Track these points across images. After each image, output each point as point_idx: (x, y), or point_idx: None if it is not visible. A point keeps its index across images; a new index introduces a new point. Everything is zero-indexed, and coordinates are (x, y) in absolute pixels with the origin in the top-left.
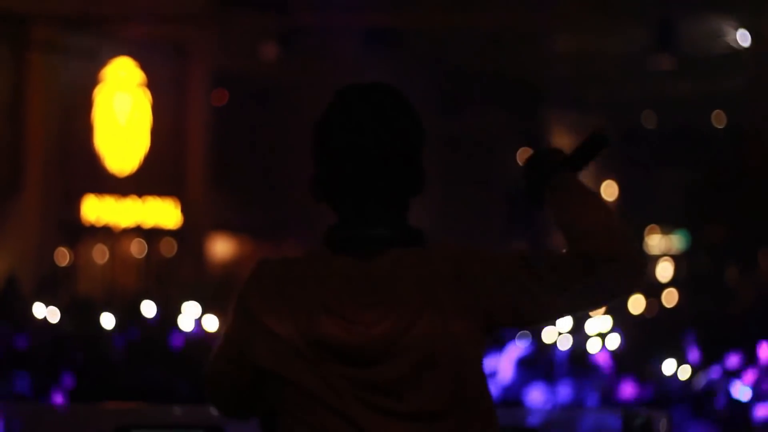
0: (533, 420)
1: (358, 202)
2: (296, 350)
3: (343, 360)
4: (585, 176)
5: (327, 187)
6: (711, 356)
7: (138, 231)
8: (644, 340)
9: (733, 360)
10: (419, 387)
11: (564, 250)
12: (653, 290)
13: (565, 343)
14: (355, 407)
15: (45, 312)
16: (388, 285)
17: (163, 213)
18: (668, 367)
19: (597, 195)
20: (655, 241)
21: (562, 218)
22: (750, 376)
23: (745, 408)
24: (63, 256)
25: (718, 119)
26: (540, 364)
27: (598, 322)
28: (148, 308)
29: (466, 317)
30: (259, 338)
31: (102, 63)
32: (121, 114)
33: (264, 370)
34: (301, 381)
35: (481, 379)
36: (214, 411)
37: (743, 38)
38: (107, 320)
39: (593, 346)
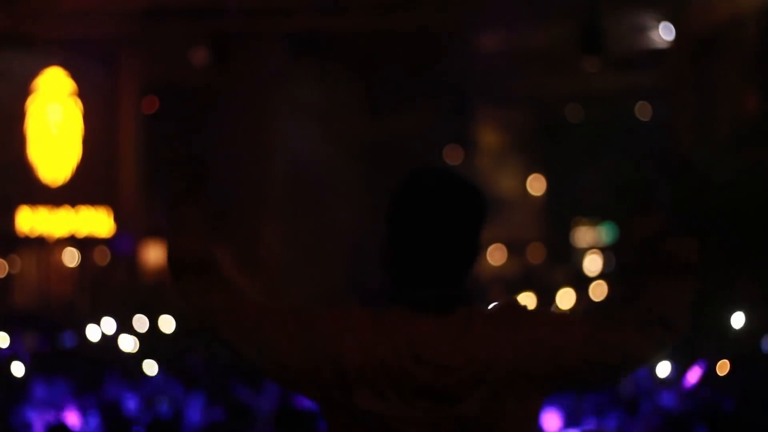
0: None
1: (430, 268)
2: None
3: (433, 399)
4: (513, 169)
5: (400, 254)
6: None
7: (71, 240)
8: None
9: None
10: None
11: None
12: (582, 283)
13: None
14: None
15: None
16: (463, 337)
17: (96, 222)
18: None
19: None
20: (582, 234)
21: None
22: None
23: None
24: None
25: (644, 112)
26: None
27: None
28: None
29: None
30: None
31: (34, 74)
32: (53, 124)
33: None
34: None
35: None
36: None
37: (667, 32)
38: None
39: None
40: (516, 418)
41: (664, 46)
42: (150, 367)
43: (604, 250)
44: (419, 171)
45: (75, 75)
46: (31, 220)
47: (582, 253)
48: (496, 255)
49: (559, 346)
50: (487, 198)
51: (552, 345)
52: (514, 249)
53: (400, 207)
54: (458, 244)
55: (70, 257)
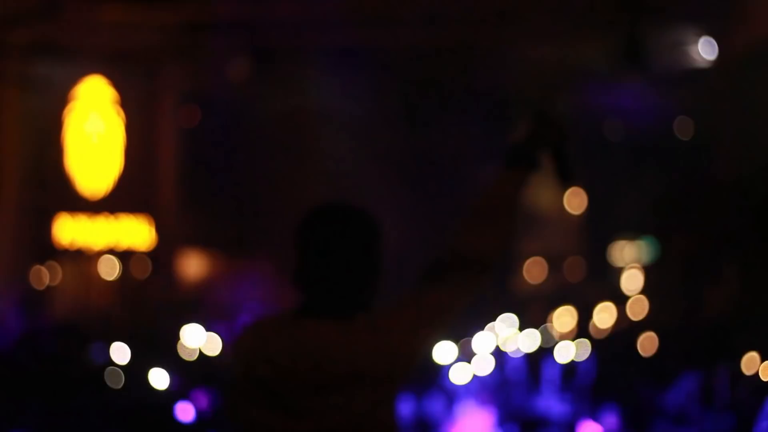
0: None
1: (317, 290)
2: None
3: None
4: (550, 187)
5: (301, 277)
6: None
7: (111, 251)
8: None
9: None
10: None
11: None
12: (620, 299)
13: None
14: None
15: None
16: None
17: (135, 232)
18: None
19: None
20: (621, 250)
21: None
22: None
23: None
24: (38, 277)
25: (685, 129)
26: None
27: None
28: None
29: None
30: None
31: (74, 83)
32: (94, 133)
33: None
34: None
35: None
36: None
37: (709, 49)
38: None
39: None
40: (369, 417)
41: (705, 63)
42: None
43: (643, 267)
44: (320, 206)
45: (115, 84)
46: (71, 229)
47: (620, 269)
48: (533, 271)
49: (392, 352)
50: (376, 228)
51: (387, 350)
52: (552, 263)
53: (301, 235)
54: (346, 266)
55: (110, 267)
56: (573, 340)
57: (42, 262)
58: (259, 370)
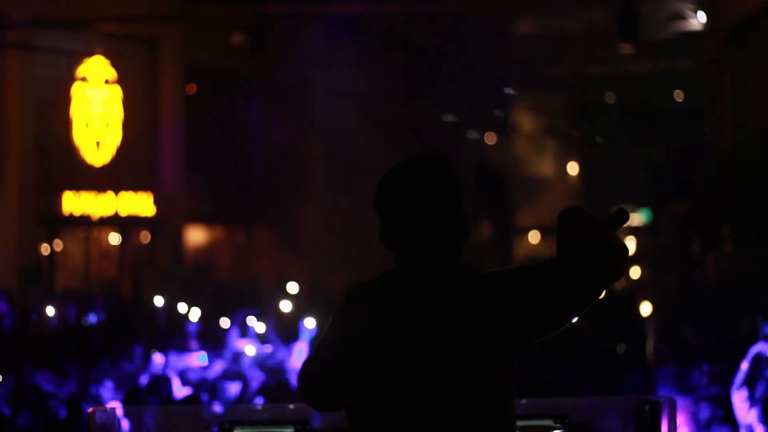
0: (542, 405)
1: (417, 247)
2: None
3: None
4: (548, 157)
5: (394, 237)
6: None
7: (114, 224)
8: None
9: None
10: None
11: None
12: None
13: None
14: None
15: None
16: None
17: (138, 206)
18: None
19: None
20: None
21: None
22: None
23: None
24: (45, 249)
25: (678, 98)
26: None
27: None
28: None
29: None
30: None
31: (76, 60)
32: (95, 110)
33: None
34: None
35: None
36: (307, 404)
37: (700, 19)
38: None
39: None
40: (480, 375)
41: (699, 33)
42: None
43: (640, 233)
44: (404, 161)
45: (118, 62)
46: (74, 203)
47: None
48: (534, 240)
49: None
50: (456, 180)
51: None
52: (551, 234)
53: (392, 191)
54: (443, 218)
55: (114, 240)
56: None
57: (47, 235)
58: (372, 328)
